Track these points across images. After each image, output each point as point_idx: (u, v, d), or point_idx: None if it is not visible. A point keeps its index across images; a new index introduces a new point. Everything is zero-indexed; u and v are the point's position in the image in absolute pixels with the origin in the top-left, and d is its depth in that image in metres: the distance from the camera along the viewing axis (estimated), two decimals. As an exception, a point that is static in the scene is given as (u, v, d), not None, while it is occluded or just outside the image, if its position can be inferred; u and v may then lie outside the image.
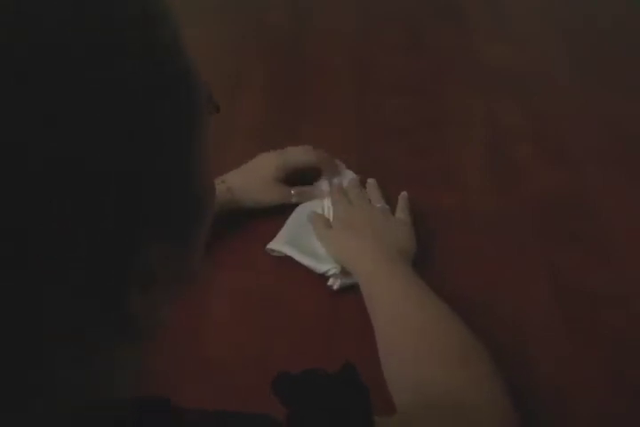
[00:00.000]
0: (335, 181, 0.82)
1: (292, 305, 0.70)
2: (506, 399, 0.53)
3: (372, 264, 0.68)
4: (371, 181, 0.81)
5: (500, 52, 1.10)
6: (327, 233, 0.74)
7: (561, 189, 0.84)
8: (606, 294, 0.71)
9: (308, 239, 0.75)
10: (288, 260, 0.73)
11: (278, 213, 0.78)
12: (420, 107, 0.99)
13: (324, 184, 0.81)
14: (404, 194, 0.79)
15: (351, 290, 0.70)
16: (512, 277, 0.73)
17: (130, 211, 0.26)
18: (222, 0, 1.32)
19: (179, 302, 0.33)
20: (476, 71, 1.07)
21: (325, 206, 0.79)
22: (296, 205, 0.79)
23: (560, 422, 0.60)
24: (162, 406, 0.34)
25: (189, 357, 0.65)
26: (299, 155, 0.80)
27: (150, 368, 0.34)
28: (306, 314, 0.69)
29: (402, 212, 0.77)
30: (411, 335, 0.61)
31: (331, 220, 0.77)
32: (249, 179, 0.78)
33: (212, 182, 0.34)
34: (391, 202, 0.78)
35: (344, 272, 0.71)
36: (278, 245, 0.74)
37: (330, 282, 0.71)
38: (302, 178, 0.81)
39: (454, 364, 0.57)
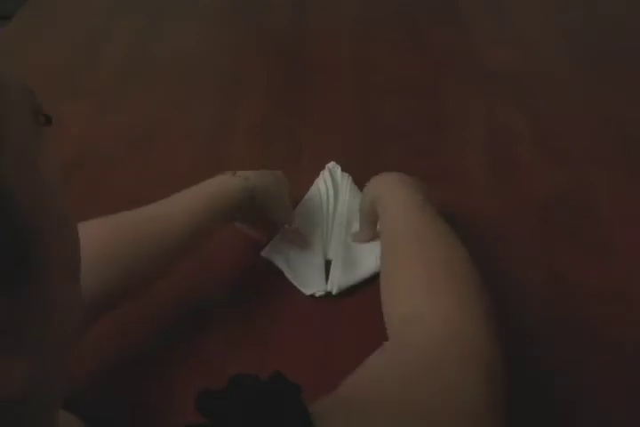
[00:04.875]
0: (329, 183, 0.81)
1: (291, 305, 0.70)
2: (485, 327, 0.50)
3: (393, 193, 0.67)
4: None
5: (500, 52, 1.10)
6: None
7: (561, 189, 0.84)
8: (606, 293, 0.71)
9: (301, 250, 0.74)
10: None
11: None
12: (420, 107, 0.99)
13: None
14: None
15: (351, 291, 0.70)
16: (512, 277, 0.73)
17: None
18: (223, 1, 1.32)
19: (64, 361, 0.29)
20: (475, 71, 1.07)
21: (325, 198, 0.80)
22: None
23: (560, 422, 0.60)
24: None
25: (189, 357, 0.65)
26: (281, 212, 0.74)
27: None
28: (306, 314, 0.69)
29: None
30: (410, 264, 0.58)
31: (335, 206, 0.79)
32: (273, 185, 0.73)
33: (57, 214, 0.28)
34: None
35: (343, 274, 0.71)
36: (271, 254, 0.74)
37: (328, 287, 0.70)
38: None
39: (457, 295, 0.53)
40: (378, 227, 0.72)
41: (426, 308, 0.52)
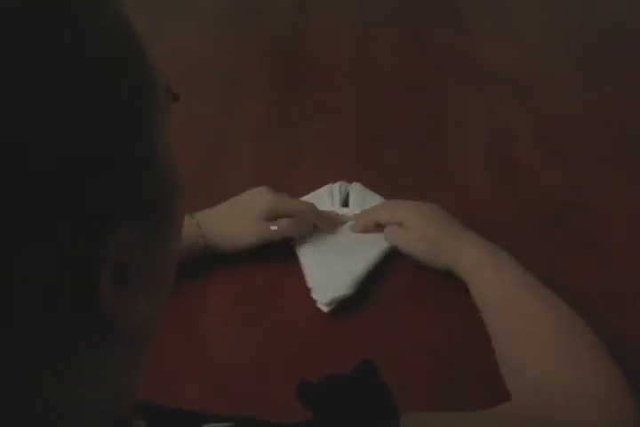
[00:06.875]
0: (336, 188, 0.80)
1: (292, 305, 0.70)
2: (627, 394, 0.54)
3: (475, 254, 0.69)
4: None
5: (500, 52, 1.10)
6: (411, 236, 0.72)
7: (561, 189, 0.84)
8: (606, 294, 0.70)
9: (335, 252, 0.72)
10: (288, 261, 0.73)
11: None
12: (419, 107, 0.99)
13: (324, 198, 0.79)
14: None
15: (351, 292, 0.70)
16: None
17: (96, 198, 0.25)
18: (223, 1, 1.33)
19: (161, 307, 0.32)
20: (475, 71, 1.07)
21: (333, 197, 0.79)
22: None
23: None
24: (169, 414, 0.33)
25: (189, 357, 0.65)
26: (297, 207, 0.75)
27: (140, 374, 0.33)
28: (305, 314, 0.69)
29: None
30: (535, 329, 0.62)
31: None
32: (225, 221, 0.73)
33: (179, 178, 0.33)
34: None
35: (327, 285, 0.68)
36: (303, 246, 0.73)
37: (317, 301, 0.68)
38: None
39: (574, 359, 0.59)
40: None
41: (564, 371, 0.57)
